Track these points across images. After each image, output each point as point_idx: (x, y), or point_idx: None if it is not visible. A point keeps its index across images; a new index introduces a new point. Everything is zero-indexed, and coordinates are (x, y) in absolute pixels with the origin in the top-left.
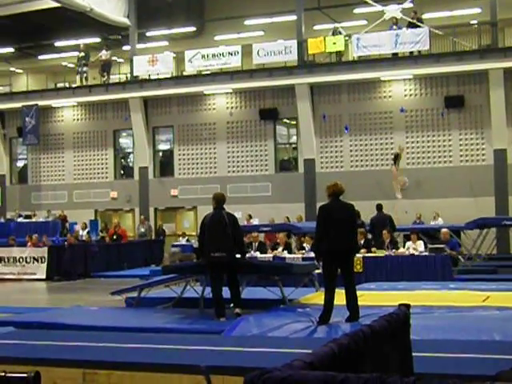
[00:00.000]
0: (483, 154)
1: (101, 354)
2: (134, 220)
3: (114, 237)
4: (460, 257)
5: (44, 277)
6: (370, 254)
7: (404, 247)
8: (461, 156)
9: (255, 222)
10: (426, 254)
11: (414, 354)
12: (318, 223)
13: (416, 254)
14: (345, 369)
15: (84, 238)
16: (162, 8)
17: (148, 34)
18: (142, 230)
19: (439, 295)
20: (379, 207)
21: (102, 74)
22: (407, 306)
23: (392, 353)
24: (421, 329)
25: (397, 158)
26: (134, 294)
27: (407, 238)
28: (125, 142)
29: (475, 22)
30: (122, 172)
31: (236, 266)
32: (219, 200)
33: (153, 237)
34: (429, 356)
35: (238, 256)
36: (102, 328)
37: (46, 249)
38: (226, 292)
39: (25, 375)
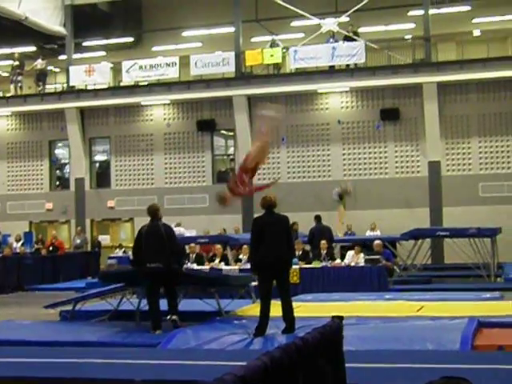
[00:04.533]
0: (418, 166)
1: (32, 370)
2: (70, 231)
3: (51, 248)
4: (395, 267)
5: None
6: (306, 266)
7: (345, 258)
8: (396, 168)
9: (192, 233)
10: (362, 265)
11: (347, 364)
12: (252, 235)
13: (352, 264)
14: (277, 382)
15: (18, 251)
16: (99, 18)
17: (85, 43)
18: (78, 241)
19: (374, 306)
20: (318, 218)
21: (38, 84)
22: (340, 318)
23: (325, 365)
24: (356, 339)
25: (342, 197)
26: (69, 307)
27: (344, 250)
28: (61, 152)
29: (409, 36)
30: (58, 183)
31: (173, 276)
32: (153, 211)
33: (89, 248)
34: (362, 367)
35: (175, 267)
36: (35, 343)
37: None
38: (162, 305)
39: None
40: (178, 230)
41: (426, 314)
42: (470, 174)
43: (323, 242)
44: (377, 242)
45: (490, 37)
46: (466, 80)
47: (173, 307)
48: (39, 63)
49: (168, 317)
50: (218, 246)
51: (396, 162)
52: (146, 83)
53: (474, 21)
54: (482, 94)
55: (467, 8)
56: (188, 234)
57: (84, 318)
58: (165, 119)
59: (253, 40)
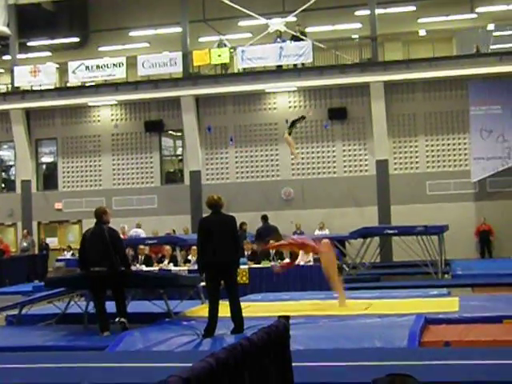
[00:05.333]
0: (366, 165)
1: None
2: (17, 234)
3: None
4: (345, 266)
5: None
6: (255, 265)
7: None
8: (344, 167)
9: (142, 234)
10: (311, 264)
11: (295, 363)
12: (198, 236)
13: (301, 264)
14: (223, 383)
15: None
16: (44, 17)
17: (29, 43)
18: (25, 244)
19: (323, 305)
20: (265, 218)
21: None
22: (286, 318)
23: (271, 365)
24: (304, 338)
25: (293, 123)
26: (15, 312)
27: None
28: (6, 154)
29: (356, 36)
30: (3, 185)
31: (119, 279)
32: (98, 214)
33: (36, 251)
34: (310, 365)
35: (122, 269)
36: None
37: None
38: (111, 307)
39: None
40: (135, 232)
41: (374, 311)
42: (417, 173)
43: (272, 241)
44: (324, 240)
45: (436, 37)
46: (413, 79)
47: (121, 310)
48: None
49: (116, 319)
50: (167, 247)
51: (344, 161)
52: (92, 84)
53: (420, 21)
54: (428, 93)
55: (413, 8)
56: (144, 235)
57: (31, 322)
58: (112, 120)
59: (200, 40)
